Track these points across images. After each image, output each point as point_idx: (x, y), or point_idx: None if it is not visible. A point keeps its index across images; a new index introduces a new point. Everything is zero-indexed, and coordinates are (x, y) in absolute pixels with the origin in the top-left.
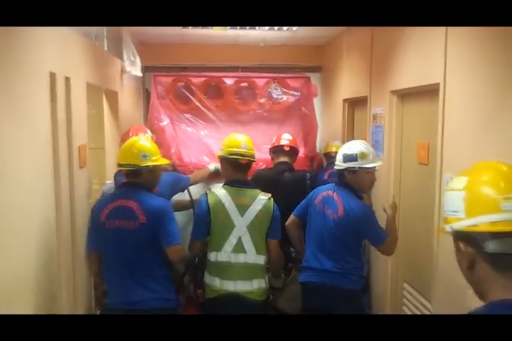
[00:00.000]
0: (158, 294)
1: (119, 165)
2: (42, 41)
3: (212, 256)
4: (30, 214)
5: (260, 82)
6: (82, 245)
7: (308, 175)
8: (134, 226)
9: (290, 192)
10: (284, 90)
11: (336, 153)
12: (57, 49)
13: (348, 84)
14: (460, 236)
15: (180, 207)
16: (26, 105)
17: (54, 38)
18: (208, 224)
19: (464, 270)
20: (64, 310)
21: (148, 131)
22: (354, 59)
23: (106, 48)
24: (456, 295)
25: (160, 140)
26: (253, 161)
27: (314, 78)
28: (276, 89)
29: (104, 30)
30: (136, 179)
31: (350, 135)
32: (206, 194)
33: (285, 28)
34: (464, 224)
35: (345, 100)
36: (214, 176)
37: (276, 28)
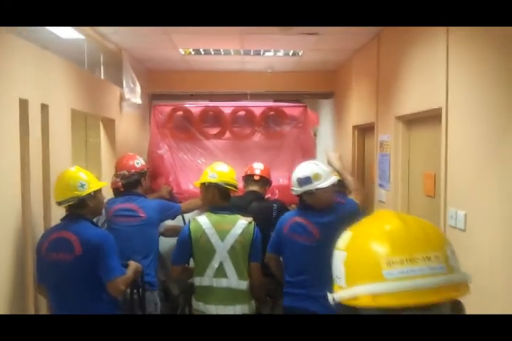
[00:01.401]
0: None
1: (58, 203)
2: (13, 67)
3: (197, 281)
4: None
5: (257, 111)
6: None
7: (275, 205)
8: (69, 259)
9: (257, 221)
10: (281, 119)
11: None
12: (34, 75)
13: (357, 110)
14: (345, 310)
15: (173, 232)
16: None
17: (31, 64)
18: (188, 249)
19: None
20: None
21: (140, 159)
22: (362, 84)
23: (103, 76)
24: None
25: (159, 168)
26: (229, 188)
27: (327, 104)
28: (273, 117)
29: (100, 57)
30: (78, 210)
31: (360, 163)
32: (189, 222)
33: (291, 53)
34: (342, 295)
35: (354, 127)
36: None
37: (282, 53)
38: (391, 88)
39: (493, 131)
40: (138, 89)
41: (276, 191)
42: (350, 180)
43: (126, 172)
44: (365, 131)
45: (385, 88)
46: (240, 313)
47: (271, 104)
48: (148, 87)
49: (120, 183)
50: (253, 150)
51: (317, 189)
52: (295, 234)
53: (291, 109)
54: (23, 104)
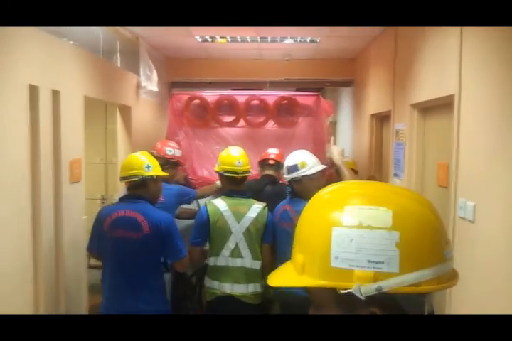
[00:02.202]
0: (151, 306)
1: (122, 178)
2: (24, 53)
3: (212, 261)
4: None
5: (270, 100)
6: (71, 256)
7: (289, 188)
8: (136, 237)
9: (270, 204)
10: (294, 108)
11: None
12: (45, 62)
13: (374, 98)
14: (379, 300)
15: (188, 215)
16: None
17: (41, 50)
18: (207, 231)
19: None
20: None
21: (172, 149)
22: (380, 72)
23: (119, 63)
24: None
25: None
26: (248, 175)
27: (347, 92)
28: (286, 106)
29: (117, 45)
30: (139, 191)
31: (378, 152)
32: (206, 204)
33: (308, 39)
34: (399, 282)
35: (372, 115)
36: (220, 191)
37: (298, 39)
38: (407, 76)
39: (504, 120)
40: (155, 76)
41: None
42: (347, 176)
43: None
44: (382, 119)
45: (401, 76)
46: (253, 291)
47: (284, 93)
48: (167, 75)
49: None
50: (266, 138)
51: (303, 176)
52: (282, 221)
53: (304, 98)
54: (34, 90)
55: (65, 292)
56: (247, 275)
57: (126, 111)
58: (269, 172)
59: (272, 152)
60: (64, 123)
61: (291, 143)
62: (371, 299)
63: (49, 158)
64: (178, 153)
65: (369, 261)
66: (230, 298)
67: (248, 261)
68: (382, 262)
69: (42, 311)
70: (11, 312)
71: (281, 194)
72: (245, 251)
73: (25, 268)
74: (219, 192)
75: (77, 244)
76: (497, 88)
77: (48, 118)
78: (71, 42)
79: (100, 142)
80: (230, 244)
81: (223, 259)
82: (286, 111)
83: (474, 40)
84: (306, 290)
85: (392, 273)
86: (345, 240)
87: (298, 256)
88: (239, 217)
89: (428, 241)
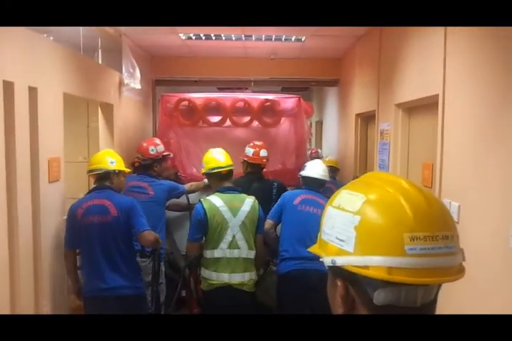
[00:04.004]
0: (129, 282)
1: (88, 171)
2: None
3: (209, 254)
4: None
5: (254, 102)
6: (50, 257)
7: (275, 184)
8: (107, 220)
9: (258, 198)
10: (276, 109)
11: (329, 166)
12: (21, 57)
13: (359, 98)
14: (341, 273)
15: (178, 207)
16: None
17: (17, 44)
18: (205, 226)
19: (337, 313)
20: None
21: (157, 147)
22: (365, 72)
23: (100, 60)
24: None
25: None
26: (232, 169)
27: (333, 92)
28: (269, 108)
29: (98, 42)
30: (104, 182)
31: (363, 151)
32: (201, 201)
33: (293, 38)
34: (350, 261)
35: (357, 115)
36: (207, 188)
37: (283, 38)
38: (392, 75)
39: (489, 120)
40: (138, 74)
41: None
42: None
43: (140, 156)
44: (367, 119)
45: (386, 75)
46: (249, 279)
47: (267, 95)
48: (151, 72)
49: (137, 164)
50: (251, 137)
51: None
52: (306, 205)
53: (286, 101)
54: (8, 86)
55: (45, 294)
56: (243, 265)
57: (108, 109)
58: (253, 169)
59: (257, 145)
60: (42, 120)
61: (275, 141)
62: (338, 271)
63: (26, 157)
64: (160, 148)
65: (337, 238)
66: (228, 287)
67: (245, 251)
68: (344, 240)
69: (21, 313)
70: None
71: (268, 189)
72: (242, 242)
73: (0, 270)
74: (206, 189)
75: (58, 244)
76: (481, 87)
77: (24, 116)
78: (51, 37)
79: (82, 141)
80: (228, 237)
81: (221, 251)
82: (269, 112)
83: (458, 39)
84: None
85: (348, 251)
86: (328, 217)
87: None
88: (234, 211)
89: (385, 231)
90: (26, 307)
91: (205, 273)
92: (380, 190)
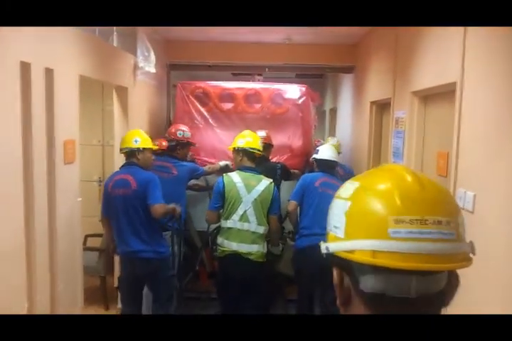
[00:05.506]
0: (149, 246)
1: (120, 150)
2: (15, 29)
3: (223, 223)
4: None
5: (264, 92)
6: (65, 239)
7: (278, 166)
8: (128, 193)
9: None
10: (284, 98)
11: None
12: (37, 39)
13: (374, 85)
14: (336, 262)
15: (197, 188)
16: None
17: (35, 27)
18: (222, 198)
19: (339, 305)
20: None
21: (183, 132)
22: (381, 59)
23: (115, 43)
24: None
25: None
26: (259, 153)
27: (348, 79)
28: (277, 96)
29: None
30: (131, 159)
31: (377, 140)
32: (223, 176)
33: None
34: (339, 246)
35: (372, 102)
36: (222, 170)
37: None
38: (408, 62)
39: (508, 109)
40: (152, 57)
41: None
42: None
43: (167, 136)
44: (382, 106)
45: (402, 62)
46: (256, 250)
47: (276, 85)
48: (165, 56)
49: (164, 143)
50: (261, 124)
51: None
52: (325, 188)
53: (293, 90)
54: (25, 67)
55: (60, 275)
56: (252, 237)
57: (123, 92)
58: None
59: (261, 135)
60: (58, 102)
61: (283, 128)
62: (334, 260)
63: (42, 138)
64: (187, 134)
65: (333, 226)
66: (237, 255)
67: (254, 225)
68: (338, 227)
69: (37, 294)
70: (5, 297)
71: (272, 170)
72: (252, 217)
73: (17, 251)
74: (221, 172)
75: (72, 226)
76: (501, 76)
77: (40, 97)
78: None
79: (97, 124)
80: (240, 211)
81: (233, 222)
82: (277, 100)
83: (479, 27)
84: None
85: (340, 237)
86: (331, 208)
87: None
88: (249, 188)
89: (371, 215)
90: (42, 290)
91: (219, 240)
92: (373, 177)
